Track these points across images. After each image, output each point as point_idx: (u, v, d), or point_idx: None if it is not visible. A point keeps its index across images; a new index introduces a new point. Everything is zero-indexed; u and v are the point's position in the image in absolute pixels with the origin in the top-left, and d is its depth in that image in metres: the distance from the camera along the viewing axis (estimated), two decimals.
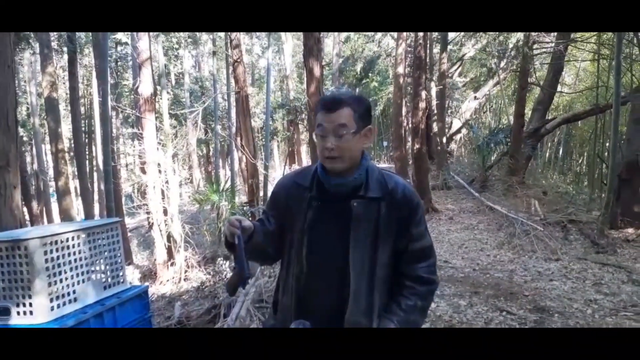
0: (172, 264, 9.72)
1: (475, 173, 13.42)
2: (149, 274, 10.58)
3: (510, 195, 10.75)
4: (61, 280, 2.38)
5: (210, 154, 24.15)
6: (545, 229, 7.77)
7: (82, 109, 20.67)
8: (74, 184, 18.06)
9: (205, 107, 16.46)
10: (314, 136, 1.66)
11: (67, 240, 2.44)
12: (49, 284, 2.28)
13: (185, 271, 9.22)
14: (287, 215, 1.72)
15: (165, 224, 9.72)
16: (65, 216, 11.55)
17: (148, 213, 10.31)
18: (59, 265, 2.37)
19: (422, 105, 10.66)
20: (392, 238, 1.66)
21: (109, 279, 2.76)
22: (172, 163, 10.42)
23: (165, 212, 9.78)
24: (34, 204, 14.83)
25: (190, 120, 14.72)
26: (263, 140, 14.99)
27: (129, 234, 15.33)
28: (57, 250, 2.36)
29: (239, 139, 9.82)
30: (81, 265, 2.53)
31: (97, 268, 2.65)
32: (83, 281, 2.51)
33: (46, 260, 2.27)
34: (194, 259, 9.50)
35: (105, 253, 2.72)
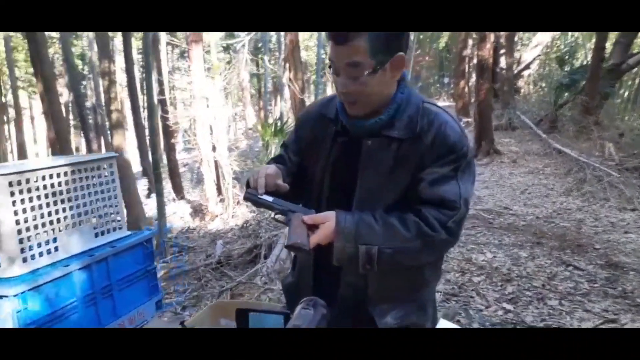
0: (221, 200, 9.75)
1: (544, 112, 12.52)
2: (199, 209, 10.73)
3: (583, 137, 9.98)
4: (36, 227, 2.02)
5: (262, 90, 23.97)
6: (620, 175, 7.13)
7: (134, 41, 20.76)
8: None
9: (256, 39, 16.00)
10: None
11: (44, 178, 2.06)
12: (19, 231, 1.94)
13: (234, 208, 9.19)
14: (311, 151, 1.49)
15: (215, 160, 9.67)
16: (117, 150, 11.75)
17: (198, 149, 10.28)
18: (32, 209, 2.01)
19: (490, 37, 9.73)
20: (407, 181, 1.31)
21: (102, 225, 2.37)
22: (221, 97, 10.20)
23: (214, 148, 9.68)
24: (92, 138, 15.28)
25: (240, 52, 14.35)
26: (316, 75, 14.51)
27: (181, 169, 15.64)
28: (29, 190, 1.99)
29: (287, 72, 9.39)
30: (64, 209, 2.16)
31: (86, 212, 2.28)
32: (66, 227, 2.17)
33: (14, 203, 1.92)
34: (241, 196, 9.44)
35: (97, 194, 2.34)
